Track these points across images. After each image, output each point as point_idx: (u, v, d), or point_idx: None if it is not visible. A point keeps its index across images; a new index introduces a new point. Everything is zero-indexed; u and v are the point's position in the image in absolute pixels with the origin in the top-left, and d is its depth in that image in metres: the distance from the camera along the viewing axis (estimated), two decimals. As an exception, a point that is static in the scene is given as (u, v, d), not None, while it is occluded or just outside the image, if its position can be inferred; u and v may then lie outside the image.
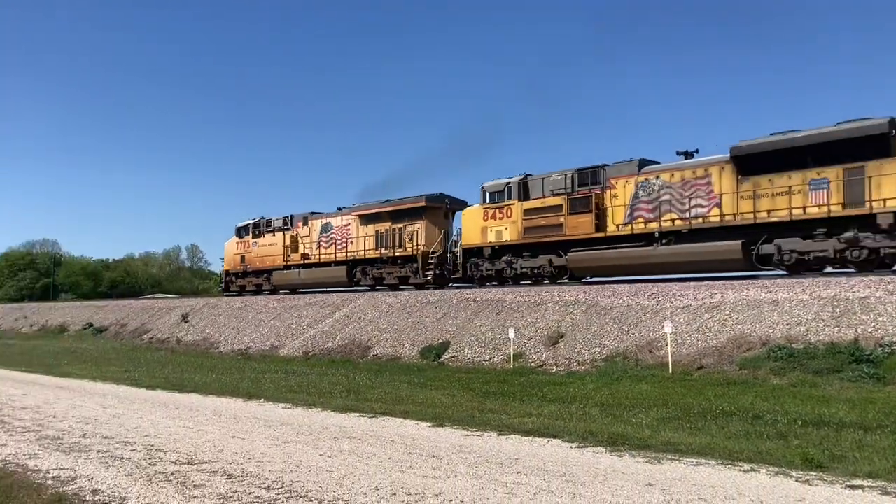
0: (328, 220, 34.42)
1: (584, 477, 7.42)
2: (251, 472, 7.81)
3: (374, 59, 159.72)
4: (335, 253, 33.41)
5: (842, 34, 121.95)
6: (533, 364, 17.95)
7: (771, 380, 13.74)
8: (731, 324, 16.15)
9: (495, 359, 18.94)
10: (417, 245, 29.75)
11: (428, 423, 10.92)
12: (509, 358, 18.39)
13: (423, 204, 29.97)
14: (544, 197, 24.97)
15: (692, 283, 19.48)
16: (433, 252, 29.08)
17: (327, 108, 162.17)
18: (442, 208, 30.18)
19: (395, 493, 6.83)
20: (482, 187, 26.91)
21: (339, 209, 34.46)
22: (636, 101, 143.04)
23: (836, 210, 18.57)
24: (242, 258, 38.71)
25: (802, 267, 19.68)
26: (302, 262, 34.84)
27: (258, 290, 37.93)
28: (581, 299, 20.19)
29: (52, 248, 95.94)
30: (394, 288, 30.58)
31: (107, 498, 6.85)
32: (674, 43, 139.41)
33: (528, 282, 25.50)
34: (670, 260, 21.69)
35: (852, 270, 18.76)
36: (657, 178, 22.39)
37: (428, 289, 27.56)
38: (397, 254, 30.49)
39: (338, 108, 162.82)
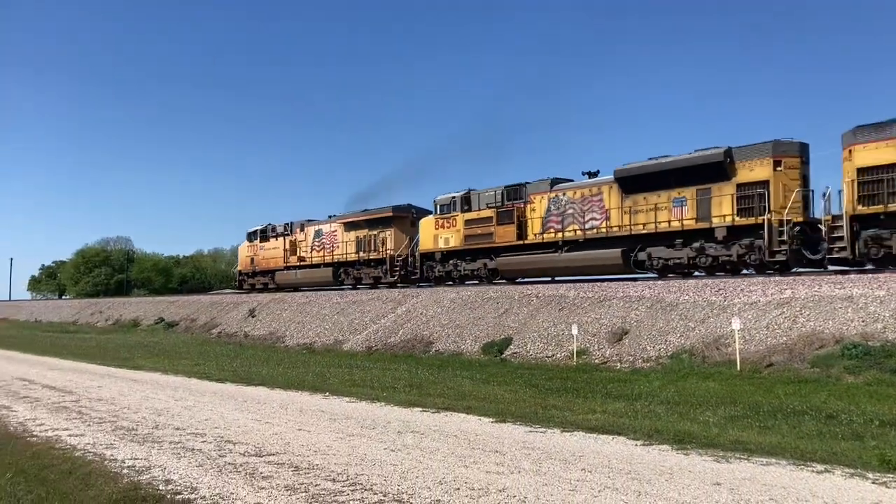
0: (320, 227, 39.35)
1: (649, 475, 7.31)
2: (317, 464, 7.94)
3: (377, 61, 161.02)
4: (324, 256, 38.41)
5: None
6: (597, 360, 17.77)
7: (845, 378, 13.29)
8: (803, 320, 15.68)
9: (558, 355, 18.81)
10: (387, 249, 34.49)
11: (491, 419, 10.92)
12: (572, 354, 18.25)
13: (391, 214, 34.76)
14: (480, 210, 29.32)
15: (760, 279, 19.00)
16: (399, 255, 33.59)
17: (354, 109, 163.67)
18: (408, 217, 34.52)
19: (458, 488, 6.85)
20: (434, 200, 31.50)
21: (330, 217, 39.12)
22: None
23: (690, 224, 22.65)
24: (252, 260, 44.23)
25: (667, 271, 23.37)
26: (299, 263, 39.93)
27: (265, 288, 42.77)
28: (646, 295, 19.89)
29: (125, 245, 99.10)
30: (371, 287, 35.18)
31: (179, 488, 7.04)
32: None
33: (475, 281, 29.61)
34: (570, 264, 25.82)
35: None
36: (564, 194, 26.53)
37: (399, 287, 30.78)
38: (372, 257, 35.35)
39: (356, 112, 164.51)
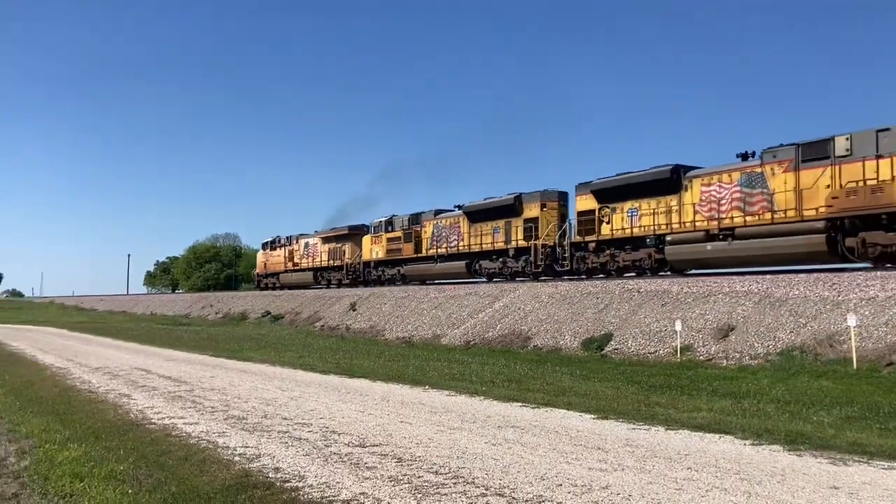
0: (308, 239, 50.68)
1: (759, 476, 7.06)
2: (419, 456, 8.05)
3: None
4: (309, 262, 49.68)
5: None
6: (701, 357, 17.28)
7: (975, 379, 12.45)
8: (927, 317, 14.77)
9: (660, 351, 18.39)
10: (345, 259, 45.61)
11: (592, 416, 10.79)
12: (676, 351, 17.81)
13: (347, 232, 46.04)
14: (395, 231, 40.64)
15: (879, 274, 17.98)
16: (351, 263, 44.94)
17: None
18: (361, 233, 44.55)
19: (560, 484, 6.81)
20: (369, 223, 43.45)
21: (315, 232, 50.19)
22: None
23: (500, 245, 33.21)
24: (265, 265, 56.51)
25: (494, 276, 33.52)
26: (294, 268, 51.82)
27: (273, 287, 54.31)
28: (753, 290, 19.19)
29: (233, 242, 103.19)
30: (339, 287, 45.46)
31: (288, 476, 7.27)
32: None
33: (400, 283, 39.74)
34: (440, 271, 36.87)
35: None
36: (441, 222, 37.27)
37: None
38: (336, 263, 46.56)
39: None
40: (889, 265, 19.45)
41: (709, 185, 24.36)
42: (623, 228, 27.03)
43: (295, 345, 26.62)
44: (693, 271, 25.12)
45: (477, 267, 34.17)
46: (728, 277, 21.62)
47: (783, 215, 21.76)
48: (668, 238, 25.13)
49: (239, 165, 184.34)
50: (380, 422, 10.34)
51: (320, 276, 48.53)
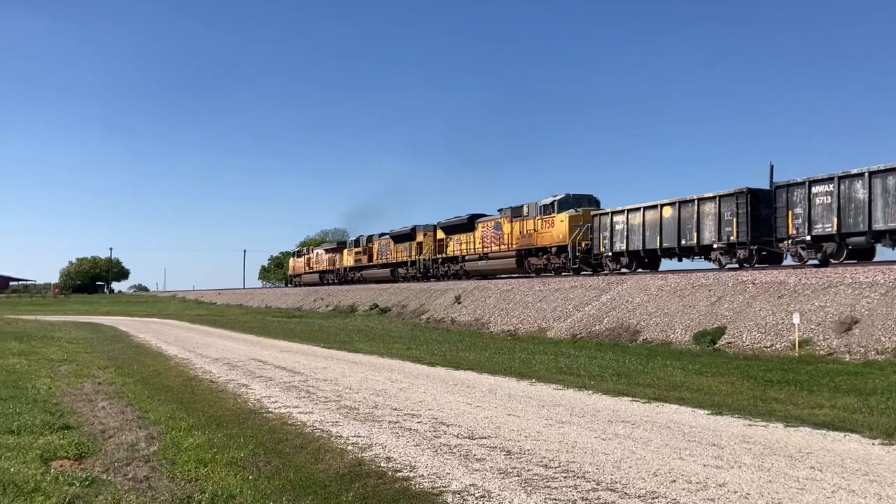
0: (318, 250, 72.34)
1: (892, 478, 6.67)
2: (528, 449, 8.04)
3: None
4: (317, 268, 70.63)
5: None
6: (821, 352, 16.48)
7: None
8: None
9: (777, 345, 17.66)
10: (337, 266, 64.97)
11: (706, 411, 10.47)
12: (794, 345, 17.05)
13: (335, 245, 69.21)
14: (359, 247, 59.94)
15: None
16: (340, 269, 64.20)
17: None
18: (344, 246, 65.18)
19: (674, 480, 6.65)
20: (350, 239, 65.59)
21: (388, 232, 58.97)
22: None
23: (404, 258, 52.53)
24: (293, 268, 78.49)
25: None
26: (309, 271, 72.87)
27: (297, 285, 74.61)
28: (879, 280, 18.13)
29: (341, 237, 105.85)
30: (330, 285, 64.66)
31: (399, 465, 7.41)
32: None
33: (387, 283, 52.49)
34: (376, 275, 56.23)
35: None
36: (381, 241, 56.21)
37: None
38: (331, 268, 66.68)
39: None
40: None
41: (484, 227, 42.10)
42: (452, 251, 45.80)
43: (402, 337, 27.05)
44: (810, 262, 24.01)
45: (398, 272, 53.31)
46: (850, 268, 20.51)
47: (506, 247, 39.41)
48: (466, 258, 44.05)
49: (348, 159, 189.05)
50: (487, 414, 10.38)
51: (319, 278, 68.87)
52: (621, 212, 30.66)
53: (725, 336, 19.22)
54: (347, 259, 62.09)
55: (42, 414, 10.28)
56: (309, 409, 11.01)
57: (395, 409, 10.84)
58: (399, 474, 7.04)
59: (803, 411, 10.31)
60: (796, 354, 16.63)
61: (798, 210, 23.15)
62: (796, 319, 17.27)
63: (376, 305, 43.92)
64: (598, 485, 6.56)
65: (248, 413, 10.76)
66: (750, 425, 9.39)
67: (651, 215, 28.97)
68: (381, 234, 56.71)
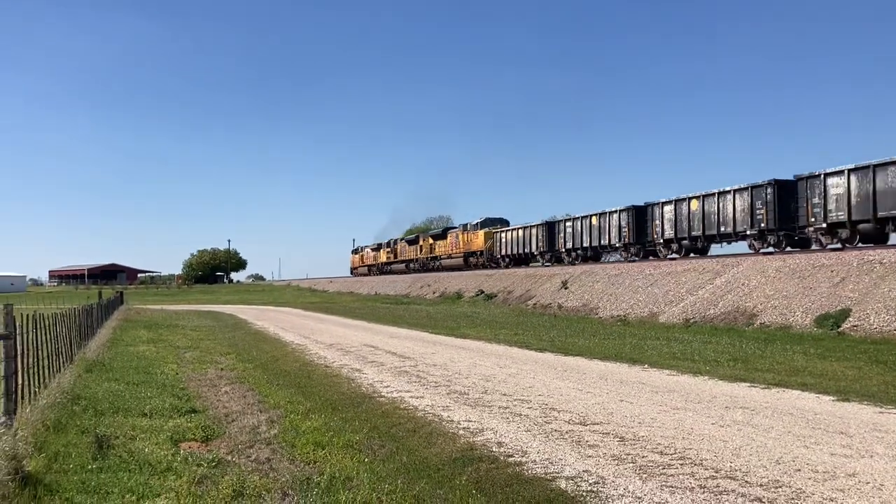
0: (367, 249, 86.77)
1: None
2: (642, 436, 7.88)
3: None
4: (367, 263, 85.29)
5: None
6: (960, 335, 15.39)
7: None
8: None
9: (909, 328, 16.59)
10: (378, 261, 79.79)
11: (831, 397, 9.98)
12: (928, 327, 15.99)
13: (377, 246, 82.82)
14: (389, 248, 77.27)
15: None
16: (379, 263, 79.60)
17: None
18: (380, 247, 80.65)
19: (799, 469, 6.37)
20: (377, 243, 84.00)
21: (372, 243, 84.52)
22: None
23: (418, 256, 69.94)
24: (353, 262, 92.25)
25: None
26: (361, 265, 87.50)
27: (356, 275, 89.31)
28: None
29: (446, 223, 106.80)
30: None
31: (510, 451, 7.42)
32: None
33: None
34: (397, 270, 74.07)
35: None
36: (398, 244, 74.74)
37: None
38: (374, 263, 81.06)
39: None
40: None
41: (451, 236, 60.06)
42: (436, 252, 62.94)
43: (508, 323, 27.05)
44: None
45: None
46: None
47: (458, 251, 57.68)
48: (441, 257, 61.59)
49: (450, 147, 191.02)
50: (599, 400, 10.24)
51: (369, 270, 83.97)
52: (669, 203, 33.57)
53: (850, 319, 18.22)
54: (383, 256, 78.76)
55: (171, 398, 10.87)
56: (420, 394, 11.17)
57: (504, 395, 10.86)
58: (511, 459, 7.05)
59: (941, 398, 9.68)
60: (931, 338, 15.60)
61: (815, 200, 24.94)
62: (930, 301, 16.20)
63: (482, 291, 44.06)
64: (716, 472, 6.37)
65: (361, 397, 11.01)
66: (881, 412, 8.89)
67: (695, 205, 31.73)
68: (402, 239, 75.46)
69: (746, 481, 6.08)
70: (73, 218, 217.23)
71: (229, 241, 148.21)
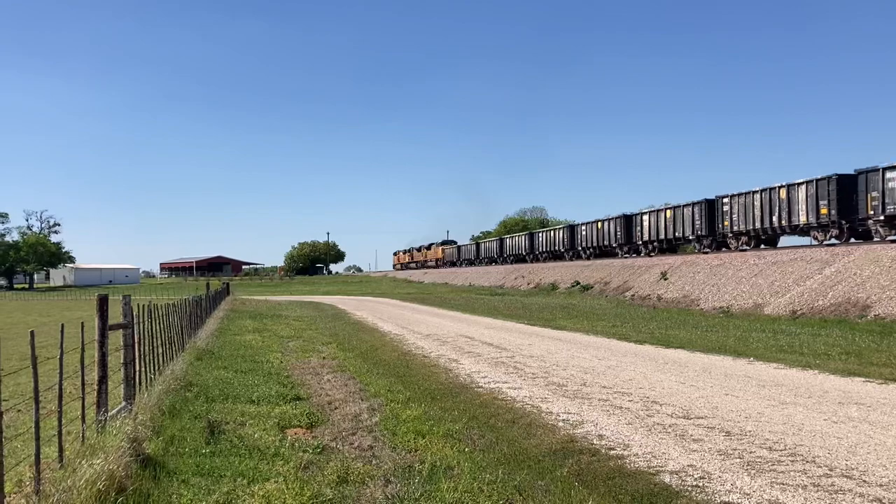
0: (400, 252, 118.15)
1: None
2: (749, 431, 7.64)
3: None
4: (403, 262, 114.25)
5: None
6: None
7: None
8: None
9: None
10: (409, 261, 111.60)
11: (956, 394, 9.40)
12: None
13: (409, 249, 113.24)
14: (415, 251, 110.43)
15: None
16: (409, 263, 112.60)
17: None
18: (411, 250, 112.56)
19: (922, 470, 6.04)
20: (411, 247, 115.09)
21: (410, 246, 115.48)
22: None
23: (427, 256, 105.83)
24: (395, 260, 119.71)
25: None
26: (399, 263, 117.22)
27: (397, 270, 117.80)
28: None
29: (539, 215, 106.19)
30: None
31: (612, 444, 7.33)
32: None
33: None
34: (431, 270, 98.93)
35: None
36: (430, 249, 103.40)
37: None
38: (408, 262, 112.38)
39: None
40: None
41: (430, 249, 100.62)
42: (428, 258, 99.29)
43: (606, 314, 26.64)
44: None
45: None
46: None
47: (432, 260, 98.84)
48: (429, 263, 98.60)
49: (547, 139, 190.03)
50: (703, 394, 9.98)
51: (404, 267, 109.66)
52: (738, 196, 34.27)
53: (977, 311, 17.11)
54: (413, 257, 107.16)
55: (276, 386, 11.26)
56: (518, 385, 11.16)
57: (604, 387, 10.72)
58: (613, 452, 6.97)
59: None
60: None
61: (874, 193, 25.64)
62: None
63: (578, 283, 43.58)
64: (830, 470, 6.12)
65: (459, 387, 11.09)
66: None
67: (765, 197, 32.39)
68: (424, 245, 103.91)
69: (864, 480, 5.81)
70: (183, 212, 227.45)
71: (328, 233, 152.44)
